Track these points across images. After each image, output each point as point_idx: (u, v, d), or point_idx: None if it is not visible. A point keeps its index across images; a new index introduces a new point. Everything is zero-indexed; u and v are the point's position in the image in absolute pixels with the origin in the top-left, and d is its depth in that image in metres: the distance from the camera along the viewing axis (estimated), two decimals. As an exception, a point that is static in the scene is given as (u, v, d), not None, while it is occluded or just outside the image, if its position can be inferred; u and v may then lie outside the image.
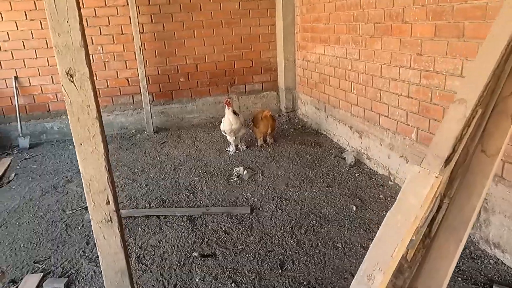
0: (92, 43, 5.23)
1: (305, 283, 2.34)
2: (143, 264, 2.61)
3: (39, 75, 5.17)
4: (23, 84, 5.17)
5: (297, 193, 3.47)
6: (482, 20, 2.44)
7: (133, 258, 2.67)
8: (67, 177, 4.12)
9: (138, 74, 5.33)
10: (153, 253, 2.73)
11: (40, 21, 4.97)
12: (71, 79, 1.13)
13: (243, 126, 4.52)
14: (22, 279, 2.50)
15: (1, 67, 5.04)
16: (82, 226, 3.11)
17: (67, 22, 1.09)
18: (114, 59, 5.38)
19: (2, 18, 4.87)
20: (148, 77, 5.46)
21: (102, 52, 5.29)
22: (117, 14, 5.21)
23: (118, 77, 5.46)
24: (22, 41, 5.01)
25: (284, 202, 3.33)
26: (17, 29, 4.95)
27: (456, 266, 1.74)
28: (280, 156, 4.39)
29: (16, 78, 5.10)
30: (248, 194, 3.52)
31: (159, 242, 2.85)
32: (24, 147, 5.10)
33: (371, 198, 3.33)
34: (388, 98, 3.54)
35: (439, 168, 1.20)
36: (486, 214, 2.50)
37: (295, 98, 5.99)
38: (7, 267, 2.64)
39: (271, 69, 6.04)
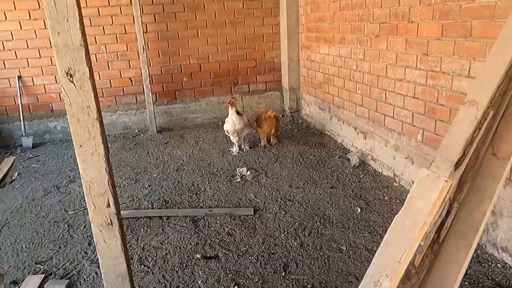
0: (96, 43, 5.21)
1: (309, 286, 2.31)
2: (145, 266, 2.58)
3: (43, 74, 5.17)
4: (26, 84, 5.16)
5: (300, 194, 3.44)
6: (490, 19, 2.40)
7: (135, 260, 2.65)
8: (69, 177, 4.10)
9: (141, 73, 5.32)
10: (155, 254, 2.70)
11: (43, 20, 4.96)
12: (71, 79, 1.10)
13: (246, 127, 4.49)
14: (23, 280, 2.48)
15: (5, 67, 5.04)
16: (84, 226, 3.09)
17: (67, 21, 1.06)
18: (118, 59, 5.36)
19: (5, 17, 4.86)
20: (152, 77, 5.44)
21: (105, 51, 5.28)
22: (121, 13, 5.19)
23: (121, 76, 5.44)
24: (26, 41, 5.00)
25: (287, 203, 3.30)
26: (21, 28, 4.94)
27: (464, 271, 1.70)
28: (283, 156, 4.35)
29: (19, 77, 5.09)
30: (251, 195, 3.49)
31: (162, 244, 2.82)
32: (27, 147, 5.10)
33: (375, 200, 3.29)
34: (393, 98, 3.49)
35: (449, 172, 1.17)
36: (494, 217, 2.45)
37: (299, 98, 5.95)
38: (8, 267, 2.63)
39: (275, 69, 6.00)
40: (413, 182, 3.23)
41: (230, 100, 4.42)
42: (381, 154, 3.77)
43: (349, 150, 4.41)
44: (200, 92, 5.81)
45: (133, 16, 5.06)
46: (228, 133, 4.48)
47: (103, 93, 5.42)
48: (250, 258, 2.60)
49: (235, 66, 5.82)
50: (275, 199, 3.39)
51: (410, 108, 3.27)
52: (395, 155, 3.55)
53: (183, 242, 2.83)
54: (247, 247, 2.73)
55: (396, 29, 3.33)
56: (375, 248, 2.63)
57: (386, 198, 3.30)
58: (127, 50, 5.35)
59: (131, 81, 5.49)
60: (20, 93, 5.08)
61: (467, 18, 2.56)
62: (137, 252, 2.74)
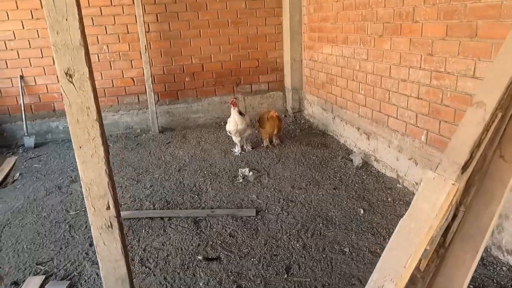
0: (98, 43, 5.20)
1: (311, 289, 2.29)
2: (146, 267, 2.56)
3: (45, 74, 5.16)
4: (28, 83, 5.16)
5: (303, 195, 3.41)
6: (496, 19, 2.36)
7: (137, 261, 2.63)
8: (71, 177, 4.09)
9: (143, 73, 5.30)
10: (156, 255, 2.68)
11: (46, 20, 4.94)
12: (70, 79, 1.09)
13: (249, 127, 4.46)
14: (24, 281, 2.46)
15: (7, 66, 5.04)
16: (86, 227, 3.08)
17: (66, 20, 1.04)
18: (120, 59, 5.35)
19: (8, 17, 4.86)
20: (154, 77, 5.42)
21: (107, 51, 5.27)
22: (123, 13, 5.18)
23: (123, 76, 5.43)
24: (28, 40, 5.00)
25: (290, 204, 3.28)
26: (23, 28, 4.94)
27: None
28: (286, 157, 4.33)
29: (21, 77, 5.09)
30: (253, 196, 3.47)
31: (163, 245, 2.80)
32: (29, 147, 5.09)
33: (379, 201, 3.26)
34: (397, 99, 3.46)
35: (456, 174, 1.14)
36: (499, 219, 2.42)
37: (301, 98, 5.93)
38: (9, 268, 2.61)
39: (278, 69, 5.98)
40: (416, 184, 3.22)
41: (233, 100, 4.40)
42: (385, 155, 3.74)
43: (352, 150, 4.38)
44: (202, 92, 5.79)
45: (135, 16, 5.05)
46: (230, 134, 4.46)
47: (105, 93, 5.42)
48: (252, 259, 2.58)
49: (238, 66, 5.80)
50: (277, 200, 3.36)
51: (414, 108, 3.24)
52: (398, 156, 3.52)
53: (185, 243, 2.81)
54: (249, 248, 2.70)
55: (400, 29, 3.30)
56: (378, 250, 2.61)
57: (389, 199, 3.27)
58: (129, 50, 5.34)
59: (133, 81, 5.48)
60: (22, 93, 5.07)
61: (473, 18, 2.53)
62: (138, 253, 2.72)
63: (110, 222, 1.22)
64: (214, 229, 2.96)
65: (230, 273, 2.46)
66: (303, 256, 2.59)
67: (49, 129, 5.37)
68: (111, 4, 5.11)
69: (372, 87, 3.86)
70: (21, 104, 5.09)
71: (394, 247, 1.22)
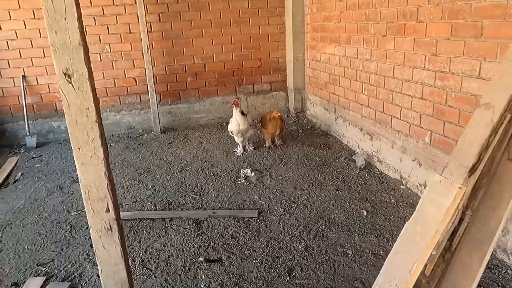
0: (100, 42, 5.19)
1: (314, 291, 2.26)
2: (147, 269, 2.54)
3: (47, 74, 5.15)
4: (30, 83, 5.15)
5: (305, 197, 3.39)
6: (502, 19, 2.33)
7: (138, 262, 2.61)
8: (73, 177, 4.08)
9: (145, 73, 5.28)
10: (158, 257, 2.66)
11: (48, 19, 4.94)
12: (69, 79, 1.06)
13: (251, 127, 4.44)
14: (24, 282, 2.45)
15: (9, 66, 5.03)
16: (87, 228, 3.06)
17: (65, 19, 1.02)
18: (122, 58, 5.33)
19: (10, 16, 4.85)
20: (156, 77, 5.41)
21: (109, 51, 5.25)
22: (125, 12, 5.16)
23: (125, 76, 5.42)
24: (30, 40, 4.99)
25: (292, 205, 3.25)
26: (25, 27, 4.93)
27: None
28: (288, 158, 4.30)
29: (24, 77, 5.08)
30: (255, 197, 3.44)
31: (164, 246, 2.78)
32: (31, 146, 5.09)
33: (382, 202, 3.23)
34: (400, 99, 3.43)
35: (463, 178, 1.11)
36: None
37: (304, 98, 5.90)
38: (10, 269, 2.60)
39: (280, 69, 5.95)
40: (420, 185, 3.18)
41: (235, 101, 4.38)
42: (388, 156, 3.71)
43: (355, 151, 4.35)
44: (205, 92, 5.77)
45: (138, 16, 5.03)
46: (232, 134, 4.44)
47: (107, 93, 5.40)
48: (254, 261, 2.56)
49: (240, 66, 5.77)
50: (279, 201, 3.34)
51: (417, 109, 3.21)
52: (402, 157, 3.49)
53: (186, 244, 2.79)
54: (251, 250, 2.68)
55: (404, 29, 3.27)
56: (381, 252, 2.58)
57: (392, 201, 3.24)
58: (132, 49, 5.32)
59: (135, 80, 5.46)
60: (24, 93, 5.06)
61: (478, 18, 2.50)
62: (139, 254, 2.70)
63: (110, 225, 1.20)
64: (215, 230, 2.94)
65: (231, 275, 2.43)
66: (305, 258, 2.56)
67: (51, 129, 5.37)
68: (113, 4, 5.10)
69: (375, 88, 3.83)
70: (23, 104, 5.08)
71: (399, 251, 1.19)
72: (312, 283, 2.33)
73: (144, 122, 5.63)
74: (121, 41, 5.26)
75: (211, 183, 3.76)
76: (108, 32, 5.19)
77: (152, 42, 5.28)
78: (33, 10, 4.88)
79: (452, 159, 1.15)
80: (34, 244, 2.88)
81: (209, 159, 4.39)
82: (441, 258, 1.25)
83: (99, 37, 5.17)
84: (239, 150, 4.52)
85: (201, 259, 2.60)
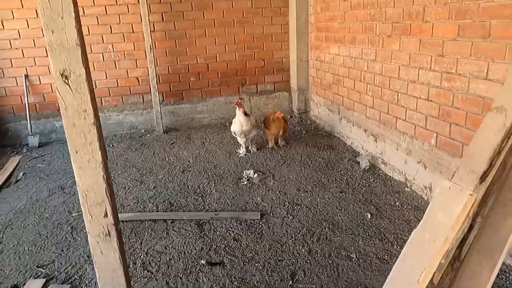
0: (103, 42, 5.17)
1: (317, 296, 2.22)
2: (148, 271, 2.51)
3: (49, 73, 5.12)
4: (33, 83, 5.14)
5: (309, 199, 3.35)
6: (511, 19, 2.28)
7: (139, 265, 2.58)
8: (74, 177, 4.05)
9: (148, 73, 5.26)
10: (159, 259, 2.63)
11: (50, 19, 4.92)
12: (66, 81, 1.03)
13: (254, 128, 4.40)
14: (24, 284, 2.42)
15: (12, 65, 5.02)
16: (88, 229, 3.03)
17: (62, 18, 0.98)
18: (125, 58, 5.31)
19: (13, 16, 4.84)
20: (159, 77, 5.38)
21: (112, 50, 5.23)
22: (128, 12, 5.14)
23: (128, 76, 5.39)
24: (33, 39, 4.98)
25: (295, 207, 3.21)
26: (28, 27, 4.91)
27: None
28: (291, 159, 4.26)
29: (26, 76, 5.07)
30: (258, 198, 3.41)
31: (166, 248, 2.75)
32: (33, 146, 5.07)
33: (386, 205, 3.18)
34: (406, 101, 3.38)
35: (474, 184, 1.07)
36: (512, 226, 2.33)
37: (307, 99, 5.85)
38: (10, 270, 2.58)
39: (284, 69, 5.91)
40: (425, 188, 3.14)
41: (238, 101, 4.34)
42: (392, 157, 3.66)
43: (359, 153, 4.30)
44: (208, 92, 5.74)
45: (141, 15, 5.01)
46: (235, 134, 4.40)
47: (109, 93, 5.38)
48: (257, 265, 2.52)
49: (243, 66, 5.74)
50: (282, 203, 3.30)
51: (423, 111, 3.16)
52: (407, 159, 3.44)
53: (188, 246, 2.75)
54: (253, 253, 2.64)
55: (409, 29, 3.22)
56: (386, 256, 2.53)
57: (397, 203, 3.19)
58: (134, 49, 5.30)
59: (138, 80, 5.44)
60: (27, 92, 5.05)
61: (486, 18, 2.45)
62: (140, 256, 2.67)
63: (108, 230, 1.16)
64: (217, 233, 2.90)
65: (233, 279, 2.40)
66: (308, 261, 2.52)
67: (54, 129, 5.35)
68: (116, 3, 5.07)
69: (380, 88, 3.78)
70: (25, 104, 5.06)
71: (407, 259, 1.15)
72: (315, 287, 2.29)
73: (147, 122, 5.60)
74: (124, 40, 5.24)
75: (213, 184, 3.72)
76: (111, 32, 5.16)
77: (155, 42, 5.26)
78: (36, 10, 4.85)
79: (462, 164, 1.11)
80: (35, 245, 2.85)
81: (212, 160, 4.36)
82: (449, 266, 1.21)
83: (102, 36, 5.15)
84: (242, 151, 4.48)
85: (203, 262, 2.57)
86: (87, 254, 2.72)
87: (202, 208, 3.30)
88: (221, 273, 2.46)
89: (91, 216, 1.15)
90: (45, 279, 2.46)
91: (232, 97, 5.71)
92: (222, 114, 5.81)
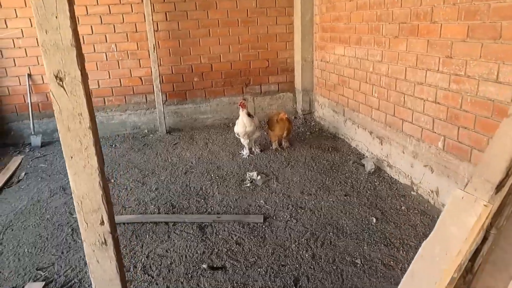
0: (106, 41, 5.14)
1: (321, 303, 2.17)
2: (149, 275, 2.47)
3: (53, 72, 5.10)
4: (36, 82, 5.11)
5: (313, 202, 3.29)
6: (523, 20, 2.22)
7: (139, 268, 2.54)
8: (76, 178, 4.02)
9: (151, 73, 5.21)
10: (160, 263, 2.59)
11: (54, 18, 4.89)
12: (61, 83, 0.98)
13: (257, 129, 4.35)
14: (23, 287, 2.39)
15: (15, 65, 4.99)
16: (88, 231, 2.99)
17: (56, 17, 0.93)
18: (128, 58, 5.28)
19: (16, 15, 4.81)
20: (162, 76, 5.34)
21: (115, 50, 5.20)
22: (132, 11, 5.10)
23: (131, 76, 5.36)
24: (36, 38, 4.94)
25: (299, 211, 3.15)
26: (31, 25, 4.88)
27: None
28: (295, 160, 4.20)
29: (29, 75, 5.04)
30: (261, 201, 3.35)
31: (167, 251, 2.70)
32: (36, 146, 5.05)
33: (392, 209, 3.12)
34: (412, 103, 3.32)
35: (489, 195, 1.01)
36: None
37: (312, 100, 5.79)
38: (9, 273, 2.54)
39: (288, 70, 5.85)
40: (432, 192, 3.07)
41: (242, 102, 4.29)
42: (398, 160, 3.60)
43: (364, 155, 4.24)
44: (211, 93, 5.69)
45: (144, 15, 4.96)
46: (239, 136, 4.35)
47: (113, 92, 5.35)
48: (259, 270, 2.47)
49: (247, 66, 5.69)
50: (286, 206, 3.24)
51: (430, 113, 3.10)
52: (413, 162, 3.37)
53: (189, 250, 2.71)
54: (256, 257, 2.59)
55: (417, 30, 3.16)
56: (391, 262, 2.48)
57: (403, 208, 3.13)
58: (138, 49, 5.26)
59: (141, 80, 5.40)
60: (29, 91, 5.03)
61: (497, 19, 2.38)
62: (141, 260, 2.63)
63: (104, 239, 1.12)
64: (220, 236, 2.86)
65: (235, 284, 2.35)
66: (312, 267, 2.47)
67: (56, 128, 5.29)
68: (120, 3, 5.04)
69: (386, 90, 3.72)
70: (28, 103, 5.04)
71: (416, 274, 1.10)
72: (319, 294, 2.24)
73: (150, 122, 5.56)
74: (127, 40, 5.20)
75: (216, 186, 3.67)
76: (114, 31, 5.13)
77: (158, 42, 5.22)
78: (39, 8, 4.83)
79: (477, 173, 1.05)
80: (35, 247, 2.82)
81: (215, 161, 4.31)
82: (461, 279, 1.15)
83: (105, 36, 5.12)
84: (245, 152, 4.43)
85: (204, 266, 2.52)
86: (87, 256, 2.67)
87: (205, 210, 3.25)
88: (223, 278, 2.41)
89: (87, 223, 1.10)
90: (44, 282, 2.42)
91: (235, 97, 5.66)
92: (226, 114, 5.76)
